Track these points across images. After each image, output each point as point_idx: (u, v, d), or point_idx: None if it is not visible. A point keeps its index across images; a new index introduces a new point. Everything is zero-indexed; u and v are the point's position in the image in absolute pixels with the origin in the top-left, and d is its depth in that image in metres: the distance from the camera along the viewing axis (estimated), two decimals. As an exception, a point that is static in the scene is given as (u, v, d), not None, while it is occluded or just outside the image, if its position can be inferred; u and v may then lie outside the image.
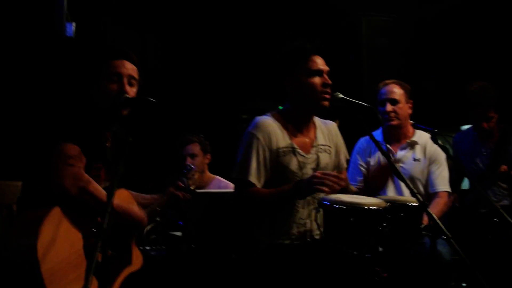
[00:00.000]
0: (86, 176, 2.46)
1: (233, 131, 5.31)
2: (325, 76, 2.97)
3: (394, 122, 3.70)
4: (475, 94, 4.02)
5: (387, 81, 3.79)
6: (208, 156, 4.51)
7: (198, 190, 3.97)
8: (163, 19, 5.67)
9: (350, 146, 3.87)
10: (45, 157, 2.45)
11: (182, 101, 5.47)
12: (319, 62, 2.97)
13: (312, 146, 3.03)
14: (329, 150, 3.10)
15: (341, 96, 2.87)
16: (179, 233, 3.62)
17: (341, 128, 5.00)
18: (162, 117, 4.63)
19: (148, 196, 2.95)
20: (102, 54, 2.67)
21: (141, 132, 2.65)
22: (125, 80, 2.62)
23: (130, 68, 2.66)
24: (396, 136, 3.77)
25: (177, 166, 4.25)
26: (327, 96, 2.94)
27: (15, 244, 2.28)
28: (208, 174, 4.54)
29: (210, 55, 5.77)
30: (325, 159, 3.05)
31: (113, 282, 2.53)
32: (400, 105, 3.69)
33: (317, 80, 2.94)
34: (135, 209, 2.65)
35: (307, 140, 3.04)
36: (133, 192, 2.87)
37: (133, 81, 2.67)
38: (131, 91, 2.64)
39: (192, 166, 3.16)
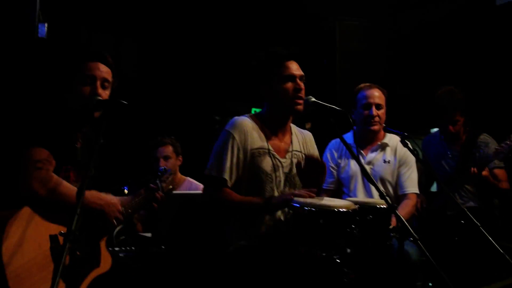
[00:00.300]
0: (56, 177, 2.47)
1: (206, 132, 5.32)
2: (298, 81, 3.01)
3: (376, 127, 3.74)
4: (442, 98, 4.09)
5: (370, 85, 3.82)
6: (180, 158, 4.52)
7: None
8: (137, 20, 5.65)
9: (321, 148, 3.91)
10: (14, 161, 2.45)
11: (155, 102, 5.46)
12: (293, 68, 3.01)
13: (287, 151, 3.07)
14: (303, 156, 3.15)
15: (313, 99, 2.91)
16: (148, 234, 3.62)
17: (312, 130, 5.05)
18: (134, 119, 4.62)
19: (119, 198, 2.89)
20: (77, 56, 2.67)
21: (112, 134, 2.65)
22: (98, 83, 2.63)
23: (104, 71, 2.66)
24: (368, 138, 3.82)
25: (149, 168, 4.25)
26: (300, 101, 2.99)
27: None
28: (180, 175, 4.55)
29: (185, 57, 5.77)
30: (298, 165, 3.07)
31: (80, 283, 2.52)
32: (383, 110, 3.74)
33: (289, 85, 2.98)
34: (104, 196, 2.65)
35: (282, 144, 3.09)
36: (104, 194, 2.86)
37: (106, 84, 2.67)
38: (104, 94, 2.65)
39: (167, 169, 3.17)
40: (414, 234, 2.47)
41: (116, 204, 2.68)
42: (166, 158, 4.43)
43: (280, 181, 3.01)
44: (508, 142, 3.83)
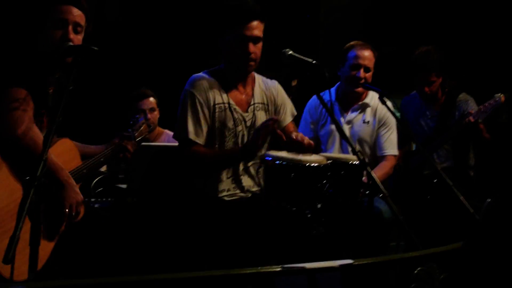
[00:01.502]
0: (29, 121, 2.42)
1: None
2: (249, 44, 2.90)
3: (360, 89, 3.70)
4: (418, 58, 4.05)
5: (361, 43, 3.74)
6: (158, 110, 4.50)
7: (145, 143, 3.98)
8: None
9: (304, 105, 3.89)
10: None
11: (136, 52, 5.38)
12: (250, 28, 2.89)
13: (249, 104, 3.03)
14: (265, 108, 3.10)
15: (290, 52, 2.85)
16: (124, 186, 3.62)
17: (299, 88, 5.00)
18: (109, 67, 4.56)
19: (92, 146, 2.92)
20: None
21: (83, 80, 2.60)
22: (70, 27, 2.55)
23: (76, 15, 2.57)
24: (351, 98, 3.79)
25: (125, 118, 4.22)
26: (251, 63, 2.93)
27: None
28: (158, 128, 4.52)
29: (169, 7, 5.67)
30: (261, 117, 3.04)
31: (54, 232, 2.52)
32: (370, 73, 3.69)
33: (243, 47, 2.90)
34: (63, 174, 2.51)
35: (243, 97, 3.04)
36: (77, 143, 2.82)
37: (79, 28, 2.60)
38: (76, 39, 2.57)
39: (139, 118, 3.15)
40: (384, 191, 2.47)
41: (78, 195, 2.54)
42: (152, 110, 4.42)
43: (243, 135, 2.98)
44: (492, 102, 3.82)
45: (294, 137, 2.68)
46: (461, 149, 4.15)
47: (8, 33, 3.91)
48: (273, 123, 2.71)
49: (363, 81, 3.65)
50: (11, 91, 2.40)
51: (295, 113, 3.25)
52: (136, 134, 3.04)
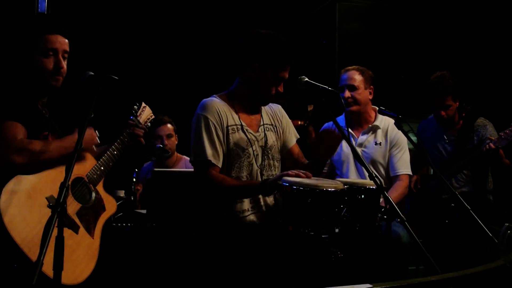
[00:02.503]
0: (25, 141, 2.51)
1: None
2: (281, 86, 3.02)
3: (353, 108, 3.78)
4: (433, 83, 4.09)
5: (348, 68, 3.88)
6: (176, 137, 4.56)
7: (164, 169, 4.03)
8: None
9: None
10: None
11: (154, 78, 5.46)
12: (288, 71, 3.00)
13: (259, 125, 3.09)
14: (275, 129, 3.17)
15: (306, 79, 2.89)
16: (143, 211, 3.65)
17: (314, 113, 5.02)
18: (127, 95, 4.63)
19: (104, 146, 2.94)
20: (36, 28, 2.69)
21: (104, 108, 2.65)
22: (60, 56, 2.68)
23: (64, 43, 2.71)
24: (358, 121, 3.86)
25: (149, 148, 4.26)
26: (271, 100, 3.08)
27: None
28: (177, 154, 4.58)
29: (186, 33, 5.75)
30: (272, 137, 3.12)
31: (93, 230, 2.64)
32: (359, 91, 3.77)
33: (275, 86, 2.99)
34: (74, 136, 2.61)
35: (253, 119, 3.10)
36: None
37: (66, 55, 2.73)
38: (65, 65, 2.71)
39: (140, 104, 3.19)
40: (402, 215, 2.47)
41: (91, 137, 2.73)
42: (169, 136, 4.49)
43: (257, 154, 3.03)
44: None
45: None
46: (480, 174, 4.14)
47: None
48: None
49: (350, 99, 3.75)
50: (3, 125, 2.49)
51: (298, 136, 3.30)
52: (140, 118, 3.09)
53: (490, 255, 3.73)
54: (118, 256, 2.77)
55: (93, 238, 2.62)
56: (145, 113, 3.17)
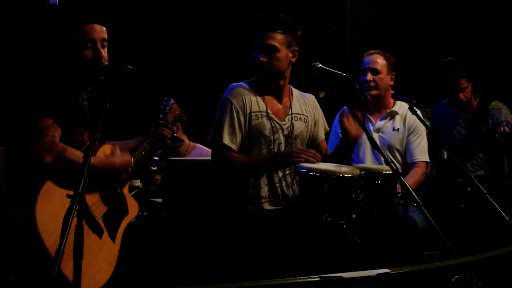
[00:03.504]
0: (61, 144, 2.46)
1: (216, 99, 5.34)
2: (263, 54, 3.00)
3: (373, 92, 3.73)
4: (445, 68, 4.06)
5: (372, 51, 3.81)
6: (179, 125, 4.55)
7: (179, 158, 4.04)
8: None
9: (333, 116, 3.91)
10: (21, 134, 2.46)
11: (166, 68, 5.46)
12: (260, 38, 2.99)
13: (287, 114, 3.08)
14: (305, 119, 3.16)
15: (320, 66, 2.89)
16: (159, 200, 3.67)
17: (326, 99, 5.01)
18: (142, 84, 4.63)
19: (131, 141, 2.93)
20: (71, 20, 2.61)
21: (119, 98, 2.64)
22: (99, 45, 2.60)
23: (100, 31, 2.62)
24: (377, 106, 3.81)
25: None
26: (264, 72, 3.03)
27: (15, 230, 2.36)
28: (189, 142, 4.58)
29: (197, 22, 5.75)
30: (299, 127, 3.11)
31: (115, 234, 2.62)
32: (381, 76, 3.71)
33: (258, 56, 3.00)
34: (115, 159, 2.62)
35: (281, 107, 3.10)
36: (115, 143, 2.85)
37: (105, 43, 2.65)
38: (105, 54, 2.63)
39: (168, 100, 3.11)
40: (418, 200, 2.48)
41: (127, 162, 2.66)
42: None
43: (280, 143, 3.04)
44: None
45: None
46: (496, 157, 4.13)
47: (32, 60, 3.99)
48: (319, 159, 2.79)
49: (372, 83, 3.70)
50: (37, 121, 2.44)
51: (328, 129, 3.30)
52: (168, 117, 3.03)
53: (507, 238, 3.72)
54: (134, 246, 2.77)
55: (114, 243, 2.60)
56: (173, 110, 3.09)
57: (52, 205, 2.36)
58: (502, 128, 3.84)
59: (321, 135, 3.25)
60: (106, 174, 2.61)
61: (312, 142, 3.19)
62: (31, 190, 2.36)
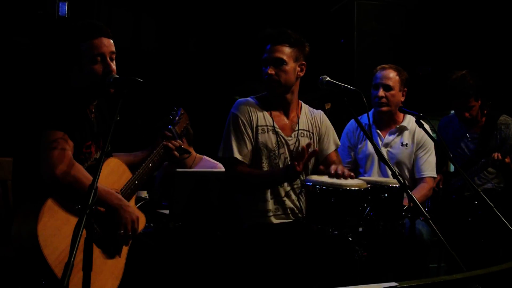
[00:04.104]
0: (70, 159, 2.47)
1: (224, 112, 5.37)
2: (271, 66, 3.03)
3: (384, 108, 3.73)
4: (455, 84, 4.04)
5: (385, 66, 3.79)
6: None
7: (187, 170, 4.05)
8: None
9: (340, 129, 3.92)
10: (31, 147, 2.48)
11: (174, 79, 5.50)
12: (268, 51, 3.03)
13: (293, 130, 3.11)
14: (311, 136, 3.18)
15: (328, 79, 2.90)
16: (166, 211, 3.68)
17: (332, 111, 5.03)
18: (150, 96, 4.66)
19: (139, 153, 2.94)
20: (79, 35, 2.62)
21: (129, 110, 2.65)
22: (108, 59, 2.62)
23: (109, 45, 2.64)
24: (387, 121, 3.82)
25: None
26: (273, 84, 3.05)
27: (19, 244, 2.36)
28: (196, 154, 4.59)
29: (204, 34, 5.78)
30: (305, 143, 3.10)
31: (121, 248, 2.61)
32: (393, 92, 3.71)
33: (266, 69, 3.04)
34: (113, 198, 2.55)
35: (287, 122, 3.13)
36: (122, 154, 2.88)
37: (113, 56, 2.66)
38: (114, 67, 2.65)
39: (178, 110, 3.10)
40: (426, 214, 2.48)
41: (132, 214, 2.56)
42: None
43: (286, 158, 3.06)
44: None
45: (333, 171, 2.72)
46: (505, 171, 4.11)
47: (41, 74, 4.01)
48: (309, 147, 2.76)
49: (384, 100, 3.69)
50: (48, 134, 2.45)
51: (339, 143, 3.31)
52: (177, 127, 3.03)
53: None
54: (141, 257, 2.78)
55: (120, 257, 2.60)
56: (183, 121, 3.10)
57: (55, 221, 2.37)
58: (495, 155, 3.84)
59: (330, 148, 3.26)
60: (109, 207, 2.54)
61: (321, 155, 3.20)
62: (34, 205, 2.36)
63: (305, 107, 3.26)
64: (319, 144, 3.21)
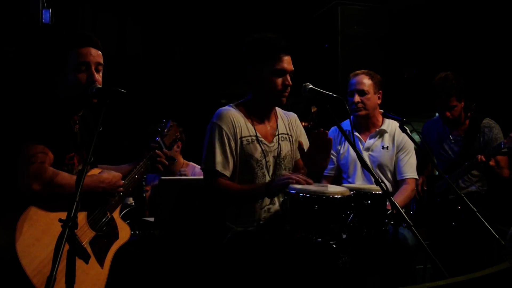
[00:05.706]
0: (51, 169, 2.48)
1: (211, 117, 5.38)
2: (288, 76, 3.02)
3: (361, 113, 3.79)
4: (437, 84, 4.09)
5: (357, 72, 3.86)
6: (179, 144, 4.58)
7: (172, 177, 4.05)
8: (141, 3, 5.66)
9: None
10: (11, 159, 2.47)
11: (159, 85, 5.49)
12: (285, 62, 3.00)
13: (274, 135, 3.11)
14: (290, 138, 3.20)
15: (310, 86, 2.92)
16: (151, 219, 3.68)
17: (318, 114, 5.04)
18: (134, 103, 4.65)
19: (125, 166, 2.94)
20: (68, 43, 2.61)
21: (112, 120, 2.65)
22: (93, 69, 2.61)
23: (96, 55, 2.63)
24: (365, 125, 3.86)
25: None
26: (285, 95, 3.03)
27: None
28: (182, 160, 4.60)
29: (189, 40, 5.78)
30: (286, 147, 3.15)
31: (104, 259, 2.61)
32: (368, 96, 3.77)
33: (279, 80, 3.00)
34: (103, 174, 2.65)
35: (268, 129, 3.13)
36: (108, 166, 2.88)
37: (100, 67, 2.65)
38: (99, 78, 2.64)
39: (166, 122, 3.09)
40: (408, 220, 2.49)
41: (117, 180, 2.69)
42: None
43: (270, 165, 3.07)
44: None
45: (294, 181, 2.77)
46: (488, 174, 4.15)
47: (25, 83, 3.98)
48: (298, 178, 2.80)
49: (360, 104, 3.75)
50: (28, 147, 2.45)
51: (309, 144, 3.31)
52: (165, 139, 3.01)
53: (497, 257, 3.75)
54: (126, 264, 2.77)
55: (102, 268, 2.59)
56: (172, 133, 3.08)
57: (34, 230, 2.36)
58: (479, 157, 3.87)
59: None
60: (94, 190, 2.61)
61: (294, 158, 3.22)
62: (13, 215, 2.36)
63: (279, 111, 3.26)
64: (295, 146, 3.21)
